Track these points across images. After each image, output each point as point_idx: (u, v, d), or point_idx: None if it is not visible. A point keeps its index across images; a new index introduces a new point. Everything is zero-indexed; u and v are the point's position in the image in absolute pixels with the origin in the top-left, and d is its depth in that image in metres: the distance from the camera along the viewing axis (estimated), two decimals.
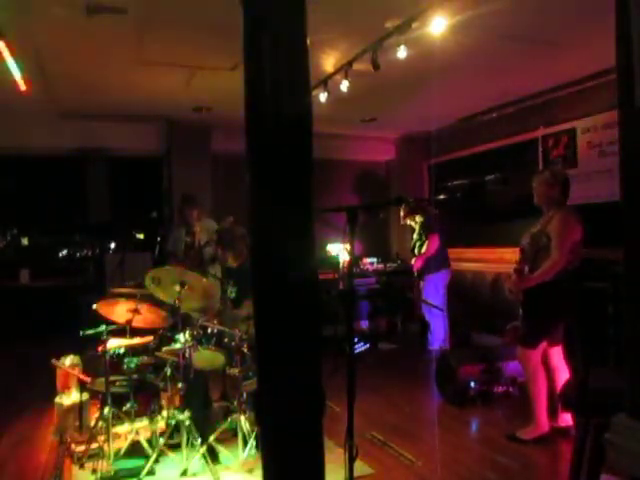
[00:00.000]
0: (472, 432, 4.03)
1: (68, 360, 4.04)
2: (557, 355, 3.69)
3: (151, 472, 3.14)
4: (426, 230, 5.96)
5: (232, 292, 3.86)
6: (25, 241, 10.56)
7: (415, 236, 6.13)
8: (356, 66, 4.39)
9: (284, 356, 2.01)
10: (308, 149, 2.07)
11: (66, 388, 3.97)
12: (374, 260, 7.15)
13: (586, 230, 3.52)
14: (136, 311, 3.43)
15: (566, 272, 3.45)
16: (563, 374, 3.60)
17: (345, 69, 4.49)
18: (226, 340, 3.49)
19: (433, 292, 5.96)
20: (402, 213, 6.14)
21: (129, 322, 3.46)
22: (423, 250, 5.97)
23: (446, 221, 6.99)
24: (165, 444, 3.28)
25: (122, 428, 3.42)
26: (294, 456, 2.03)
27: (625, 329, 1.88)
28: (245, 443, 3.29)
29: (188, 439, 3.22)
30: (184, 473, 3.16)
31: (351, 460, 2.10)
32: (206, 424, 3.47)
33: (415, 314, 6.54)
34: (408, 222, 6.18)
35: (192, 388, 3.38)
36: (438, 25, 3.58)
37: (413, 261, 6.11)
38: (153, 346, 3.57)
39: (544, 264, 3.46)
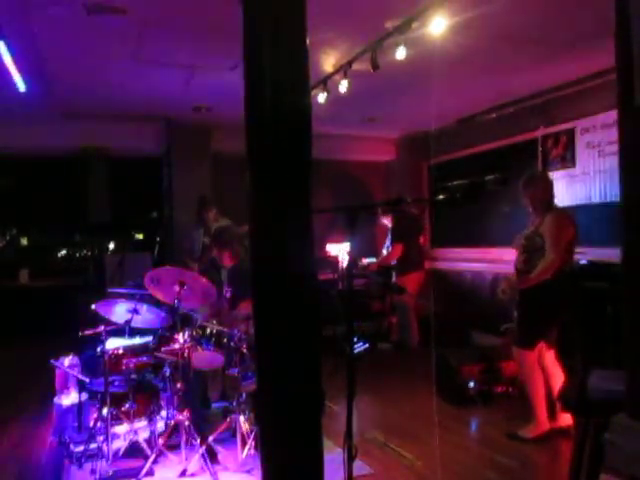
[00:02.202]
0: (472, 432, 4.02)
1: (67, 360, 4.04)
2: (550, 358, 3.69)
3: (150, 472, 3.13)
4: (392, 238, 6.19)
5: (227, 292, 3.88)
6: (25, 241, 10.56)
7: (387, 239, 6.37)
8: (356, 66, 4.38)
9: (284, 356, 2.01)
10: (308, 149, 2.07)
11: (65, 388, 3.98)
12: (373, 260, 7.15)
13: (585, 230, 3.54)
14: (135, 311, 3.43)
15: (562, 272, 3.46)
16: (557, 378, 3.61)
17: (345, 69, 4.48)
18: (225, 340, 3.49)
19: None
20: (379, 211, 6.33)
21: (128, 322, 3.45)
22: (384, 254, 6.37)
23: (446, 221, 7.01)
24: (164, 444, 3.28)
25: (121, 428, 3.42)
26: (293, 456, 2.03)
27: (625, 329, 1.88)
28: (244, 443, 3.29)
29: (187, 439, 3.21)
30: (183, 473, 3.16)
31: (351, 460, 2.10)
32: (205, 424, 3.47)
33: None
34: (384, 222, 6.40)
35: (191, 388, 3.38)
36: (438, 25, 3.58)
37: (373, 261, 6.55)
38: (152, 346, 3.57)
39: (540, 264, 3.47)
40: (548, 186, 3.71)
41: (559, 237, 3.47)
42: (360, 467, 3.05)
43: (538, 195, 3.67)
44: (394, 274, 6.36)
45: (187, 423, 3.20)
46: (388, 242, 6.45)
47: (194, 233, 5.84)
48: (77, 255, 10.09)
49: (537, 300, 3.52)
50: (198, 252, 5.62)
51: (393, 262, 6.34)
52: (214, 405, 3.99)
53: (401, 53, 3.89)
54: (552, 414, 3.66)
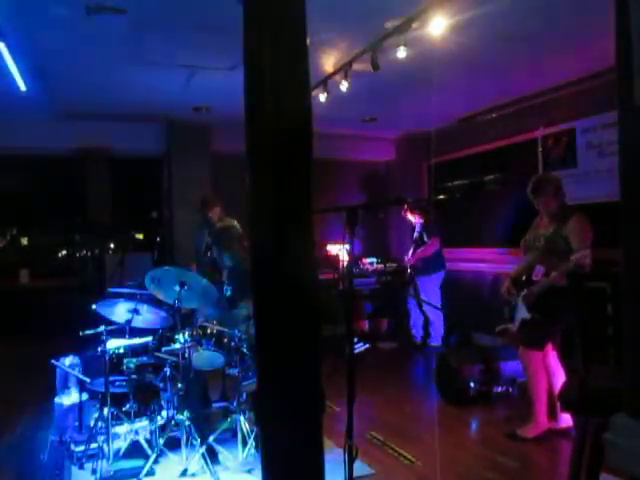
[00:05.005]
0: (472, 432, 4.02)
1: (68, 360, 4.04)
2: (554, 357, 3.69)
3: (150, 472, 3.13)
4: (428, 232, 6.17)
5: (227, 290, 3.88)
6: (25, 241, 10.54)
7: (416, 234, 6.34)
8: (356, 66, 4.38)
9: (284, 356, 2.01)
10: (308, 149, 2.07)
11: (66, 388, 3.98)
12: (374, 260, 7.15)
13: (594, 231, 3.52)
14: (136, 311, 3.43)
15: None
16: (560, 376, 3.61)
17: (345, 69, 4.48)
18: (226, 340, 3.49)
19: (430, 292, 6.15)
20: (405, 206, 6.33)
21: (129, 322, 3.46)
22: (421, 249, 6.25)
23: (446, 221, 7.01)
24: (165, 444, 3.28)
25: (122, 428, 3.42)
26: (294, 456, 2.03)
27: (625, 329, 1.88)
28: (245, 443, 3.29)
29: (188, 439, 3.21)
30: (183, 473, 3.16)
31: (351, 460, 2.10)
32: (205, 424, 3.47)
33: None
34: (409, 217, 6.40)
35: (192, 388, 3.38)
36: (438, 25, 3.58)
37: (410, 255, 6.40)
38: (153, 346, 3.57)
39: (563, 265, 3.43)
40: (557, 188, 3.63)
41: (587, 238, 3.43)
42: (361, 467, 3.05)
43: (550, 200, 3.61)
44: (420, 274, 6.31)
45: (187, 423, 3.20)
46: (418, 238, 6.40)
47: (199, 233, 5.78)
48: (77, 255, 10.07)
49: (553, 300, 3.49)
50: (202, 253, 5.61)
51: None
52: (214, 405, 3.99)
53: (401, 53, 3.89)
54: (553, 415, 3.66)
